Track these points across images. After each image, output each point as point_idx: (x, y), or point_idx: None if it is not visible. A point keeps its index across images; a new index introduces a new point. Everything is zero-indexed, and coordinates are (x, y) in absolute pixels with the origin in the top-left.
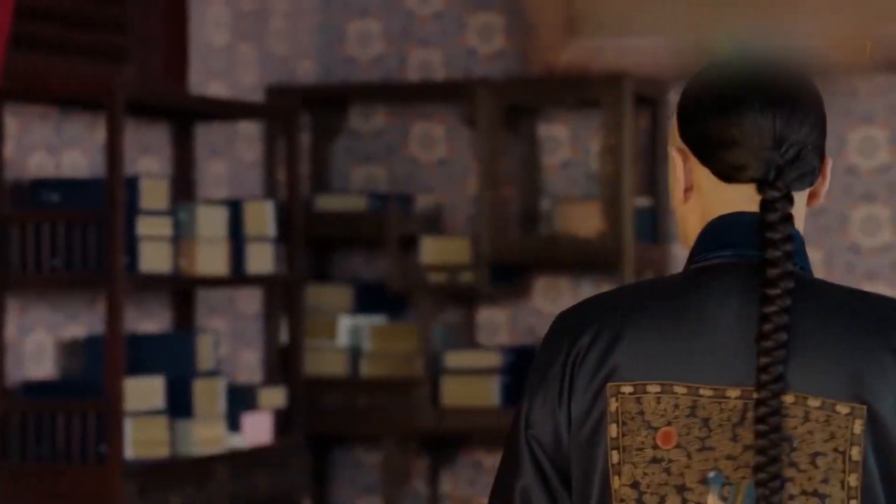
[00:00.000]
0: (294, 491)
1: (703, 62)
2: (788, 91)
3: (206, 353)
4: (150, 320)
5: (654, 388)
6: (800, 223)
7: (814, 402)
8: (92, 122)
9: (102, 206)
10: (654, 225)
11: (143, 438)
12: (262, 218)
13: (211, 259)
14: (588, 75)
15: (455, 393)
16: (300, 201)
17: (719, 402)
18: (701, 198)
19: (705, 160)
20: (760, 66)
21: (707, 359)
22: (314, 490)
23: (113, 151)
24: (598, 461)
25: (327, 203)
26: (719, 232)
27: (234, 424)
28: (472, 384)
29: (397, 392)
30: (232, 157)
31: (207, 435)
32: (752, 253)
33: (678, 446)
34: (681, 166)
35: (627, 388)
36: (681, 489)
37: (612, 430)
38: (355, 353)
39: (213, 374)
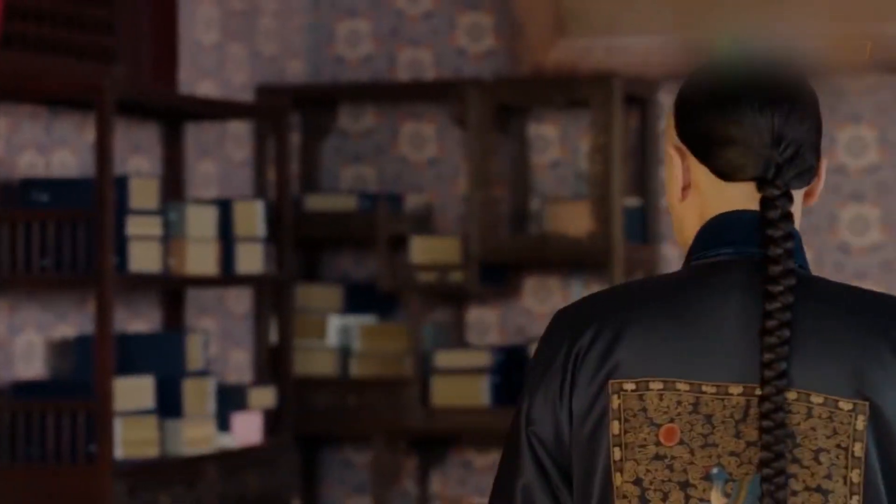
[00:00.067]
0: (284, 490)
1: (697, 61)
2: (787, 90)
3: (195, 352)
4: (139, 320)
5: (656, 385)
6: (797, 222)
7: (816, 399)
8: (81, 122)
9: (92, 205)
10: (644, 225)
11: (132, 438)
12: (251, 218)
13: (200, 259)
14: (577, 75)
15: (445, 392)
16: (290, 201)
17: (722, 399)
18: (699, 196)
19: (704, 159)
20: (758, 64)
21: (709, 356)
22: (304, 490)
23: (102, 151)
24: (599, 458)
25: (317, 203)
26: (720, 229)
27: (223, 424)
28: (461, 384)
29: (387, 392)
30: (221, 157)
31: (197, 435)
32: (753, 250)
33: (681, 443)
34: (678, 164)
35: (630, 385)
36: (684, 485)
37: (614, 426)
38: (345, 353)
39: (202, 373)
